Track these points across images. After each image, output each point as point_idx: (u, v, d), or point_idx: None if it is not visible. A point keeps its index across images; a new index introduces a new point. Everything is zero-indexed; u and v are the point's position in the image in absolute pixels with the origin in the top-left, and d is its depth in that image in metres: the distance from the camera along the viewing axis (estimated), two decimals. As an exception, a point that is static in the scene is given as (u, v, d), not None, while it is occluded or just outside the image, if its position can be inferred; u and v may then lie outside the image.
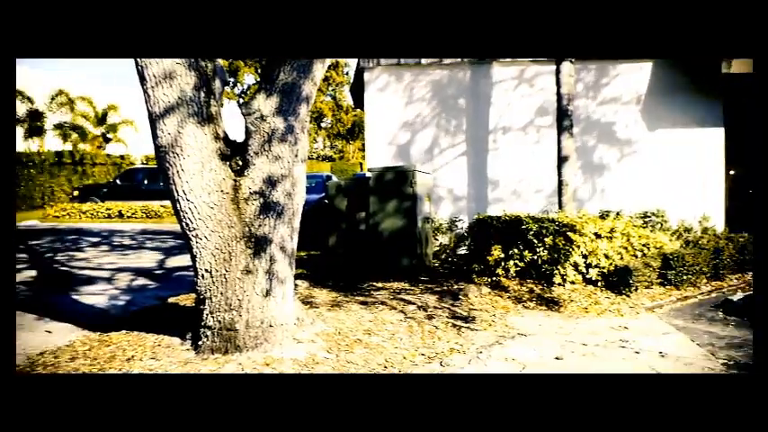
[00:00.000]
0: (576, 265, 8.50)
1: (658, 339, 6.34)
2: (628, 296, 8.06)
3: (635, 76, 12.64)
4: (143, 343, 6.18)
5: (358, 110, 33.70)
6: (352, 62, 56.74)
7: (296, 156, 5.77)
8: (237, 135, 6.05)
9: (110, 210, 24.36)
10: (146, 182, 26.74)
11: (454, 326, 6.78)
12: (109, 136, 41.39)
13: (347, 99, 57.58)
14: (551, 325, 6.98)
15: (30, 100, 37.90)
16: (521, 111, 13.03)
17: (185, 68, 5.46)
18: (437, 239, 11.89)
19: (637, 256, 8.74)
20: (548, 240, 8.56)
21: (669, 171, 12.62)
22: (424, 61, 13.07)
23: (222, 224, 5.57)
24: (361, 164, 47.65)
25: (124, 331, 6.64)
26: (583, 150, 12.82)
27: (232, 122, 59.83)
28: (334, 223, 10.94)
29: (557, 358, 5.67)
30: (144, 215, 23.52)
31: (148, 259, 13.05)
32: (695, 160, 12.57)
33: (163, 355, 5.75)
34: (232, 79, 49.90)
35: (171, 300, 8.41)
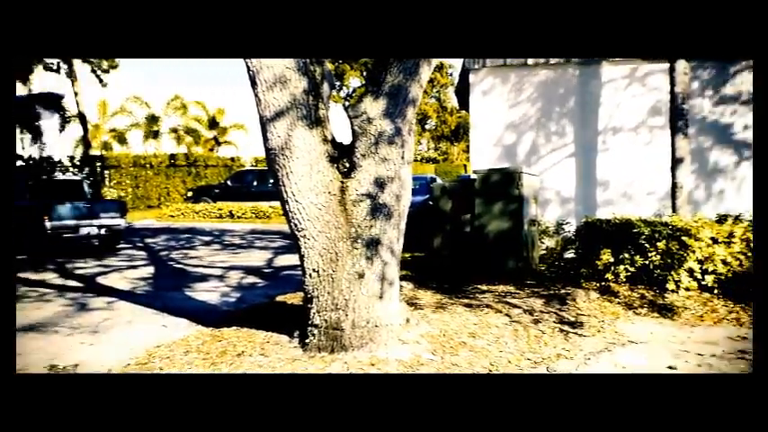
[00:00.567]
0: (690, 271, 8.15)
1: (781, 351, 6.00)
2: (748, 305, 7.66)
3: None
4: (253, 339, 6.36)
5: (462, 111, 33.57)
6: (457, 63, 56.58)
7: (402, 158, 5.80)
8: (343, 138, 6.15)
9: (221, 210, 25.22)
10: (255, 183, 27.54)
11: (561, 331, 6.64)
12: (220, 139, 42.87)
13: (452, 101, 57.41)
14: (664, 333, 6.72)
15: (147, 104, 39.77)
16: (631, 111, 12.63)
17: (295, 73, 5.59)
18: (543, 242, 11.68)
19: (757, 263, 8.29)
20: (660, 245, 8.25)
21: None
22: (530, 62, 12.88)
23: (329, 225, 5.66)
24: (465, 166, 47.42)
25: (235, 327, 6.85)
26: (698, 152, 12.29)
27: (337, 125, 60.80)
28: (438, 225, 10.94)
29: (669, 367, 5.46)
30: (253, 215, 24.22)
31: (257, 258, 13.44)
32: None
33: (271, 351, 5.90)
34: (338, 83, 50.75)
35: (279, 298, 8.62)
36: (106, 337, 7.13)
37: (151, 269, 12.40)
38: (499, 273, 9.67)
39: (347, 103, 45.32)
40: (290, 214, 5.77)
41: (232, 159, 37.64)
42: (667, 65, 11.52)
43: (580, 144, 12.80)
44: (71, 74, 27.47)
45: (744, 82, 12.10)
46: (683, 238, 8.18)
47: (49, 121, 27.87)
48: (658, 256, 8.26)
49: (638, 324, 7.08)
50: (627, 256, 8.52)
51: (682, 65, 10.38)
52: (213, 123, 42.75)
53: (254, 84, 5.69)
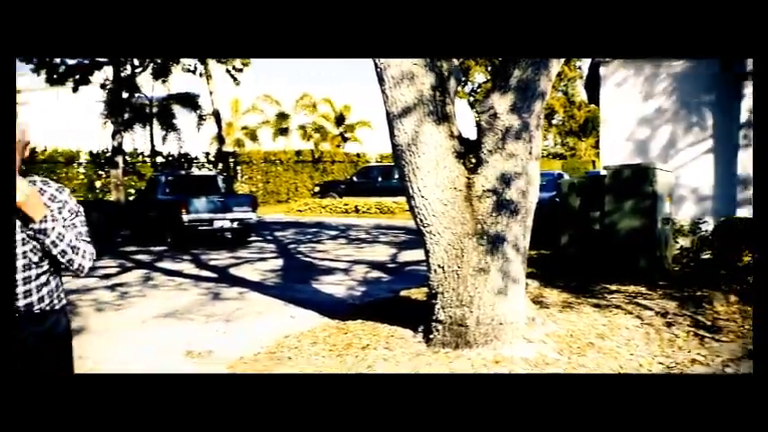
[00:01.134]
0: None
1: None
2: None
3: None
4: (377, 333, 6.44)
5: (591, 105, 32.60)
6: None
7: (530, 153, 5.70)
8: (468, 134, 6.10)
9: (347, 205, 25.69)
10: (380, 179, 27.87)
11: (696, 335, 6.32)
12: (347, 135, 43.67)
13: (580, 94, 55.85)
14: (812, 340, 6.27)
15: (277, 102, 41.05)
16: (777, 103, 11.84)
17: (422, 69, 5.61)
18: (677, 242, 11.16)
19: None
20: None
21: None
22: (665, 53, 12.34)
23: (455, 221, 5.65)
24: (593, 162, 46.03)
25: (360, 321, 6.97)
26: None
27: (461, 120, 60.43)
28: (565, 222, 10.68)
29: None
30: (378, 211, 24.51)
31: (382, 253, 13.60)
32: None
33: (396, 345, 5.96)
34: (463, 78, 50.49)
35: (403, 293, 8.69)
36: (237, 326, 7.43)
37: (280, 262, 12.81)
38: (629, 272, 9.32)
39: (472, 99, 45.09)
40: (415, 210, 5.80)
41: (358, 155, 38.28)
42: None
43: (719, 139, 12.13)
44: (206, 74, 28.74)
45: None
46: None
47: (186, 119, 29.33)
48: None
49: (782, 330, 6.64)
50: (770, 257, 8.00)
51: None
52: (340, 120, 43.58)
53: (381, 81, 5.75)
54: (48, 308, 2.81)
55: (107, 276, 10.96)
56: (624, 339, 6.11)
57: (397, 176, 21.54)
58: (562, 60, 6.11)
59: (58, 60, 21.56)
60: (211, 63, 27.95)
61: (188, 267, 12.06)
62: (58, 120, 36.66)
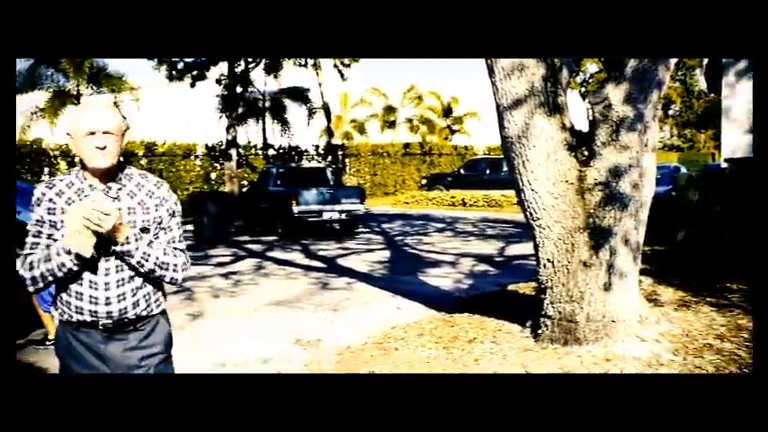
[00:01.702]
0: None
1: None
2: None
3: None
4: (484, 326, 6.40)
5: (711, 95, 31.13)
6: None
7: (645, 145, 5.50)
8: (580, 125, 5.96)
9: (453, 198, 25.61)
10: (487, 172, 27.61)
11: (826, 339, 5.94)
12: (454, 128, 43.53)
13: (699, 83, 53.42)
14: None
15: (385, 95, 41.38)
16: None
17: (534, 60, 5.51)
18: (805, 239, 10.52)
19: None
20: None
21: None
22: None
23: (566, 215, 5.53)
24: (713, 154, 43.98)
25: (466, 314, 6.95)
26: None
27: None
28: (682, 217, 10.26)
29: None
30: (485, 204, 24.31)
31: (489, 246, 13.49)
32: None
33: (503, 340, 5.91)
34: (575, 68, 49.27)
35: (510, 287, 8.59)
36: (345, 316, 7.55)
37: (387, 253, 12.92)
38: (752, 271, 8.86)
39: (583, 90, 43.92)
40: (525, 203, 5.72)
41: (465, 148, 38.10)
42: None
43: None
44: (317, 67, 29.30)
45: None
46: None
47: (296, 113, 29.97)
48: None
49: None
50: None
51: None
52: (447, 112, 43.49)
53: (491, 72, 5.70)
54: (144, 312, 2.67)
55: (221, 264, 11.40)
56: (745, 341, 5.81)
57: (505, 169, 21.31)
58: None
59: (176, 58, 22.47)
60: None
61: (298, 257, 12.36)
62: (176, 115, 38.31)
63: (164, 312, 2.80)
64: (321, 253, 12.85)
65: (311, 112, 30.73)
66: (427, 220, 19.83)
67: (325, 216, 15.44)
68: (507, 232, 16.02)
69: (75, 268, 2.50)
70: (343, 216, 15.75)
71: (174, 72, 23.45)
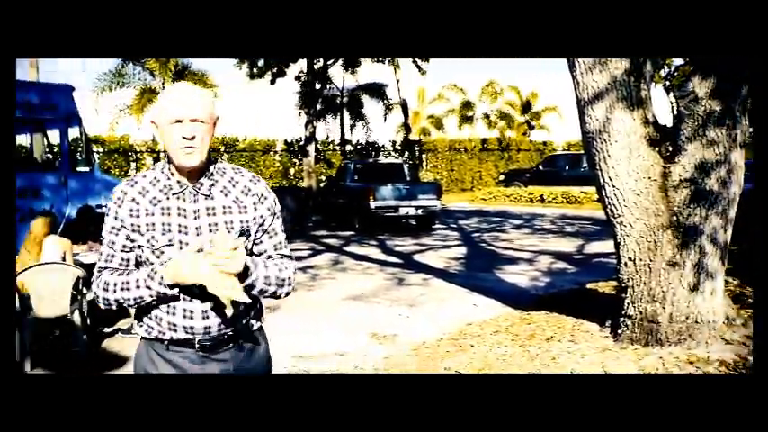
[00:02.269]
0: None
1: None
2: None
3: None
4: (562, 325, 6.31)
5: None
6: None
7: (733, 140, 5.29)
8: (663, 120, 5.79)
9: (531, 194, 25.26)
10: (567, 168, 27.10)
11: None
12: (533, 123, 42.94)
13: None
14: None
15: (462, 91, 41.16)
16: None
17: (616, 53, 5.39)
18: None
19: None
20: None
21: None
22: None
23: (648, 212, 5.39)
24: (806, 150, 42.06)
25: (543, 312, 6.86)
26: None
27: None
28: (772, 216, 9.84)
29: None
30: (564, 200, 23.88)
31: (567, 244, 13.26)
32: None
33: (581, 339, 5.80)
34: (660, 62, 47.76)
35: (589, 285, 8.42)
36: (421, 312, 7.57)
37: (463, 250, 12.86)
38: None
39: (668, 84, 42.65)
40: (605, 200, 5.60)
41: (544, 143, 37.55)
42: None
43: None
44: (394, 64, 29.39)
45: None
46: None
47: (374, 109, 30.13)
48: None
49: None
50: None
51: None
52: (526, 107, 42.91)
53: (572, 67, 5.60)
54: (247, 327, 2.31)
55: (300, 258, 11.57)
56: (840, 346, 5.55)
57: (585, 165, 20.87)
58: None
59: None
60: (398, 54, 28.49)
61: (374, 252, 12.44)
62: (257, 112, 39.08)
63: (261, 327, 2.41)
64: (397, 248, 12.90)
65: (388, 108, 30.87)
66: (504, 217, 19.64)
67: (402, 211, 15.49)
68: (587, 230, 15.71)
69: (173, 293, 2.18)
70: (420, 212, 15.76)
71: (254, 69, 23.94)
